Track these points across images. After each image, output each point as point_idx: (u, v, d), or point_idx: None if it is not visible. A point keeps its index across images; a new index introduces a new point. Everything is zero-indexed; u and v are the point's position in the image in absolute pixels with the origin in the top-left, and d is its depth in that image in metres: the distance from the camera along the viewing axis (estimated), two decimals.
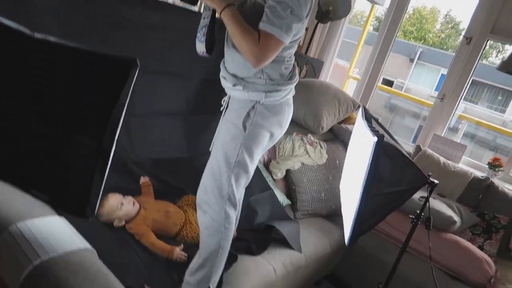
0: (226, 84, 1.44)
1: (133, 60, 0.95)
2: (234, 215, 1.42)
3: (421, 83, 15.17)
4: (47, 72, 0.96)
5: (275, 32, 1.23)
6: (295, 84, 1.45)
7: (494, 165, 2.85)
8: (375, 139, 1.34)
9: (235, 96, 1.42)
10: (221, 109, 1.54)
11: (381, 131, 1.67)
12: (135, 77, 0.96)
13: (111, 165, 1.42)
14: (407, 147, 3.40)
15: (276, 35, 1.23)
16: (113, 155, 1.52)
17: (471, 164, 3.10)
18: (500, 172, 2.85)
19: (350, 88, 4.36)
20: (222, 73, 1.47)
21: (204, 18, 1.39)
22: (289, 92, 1.43)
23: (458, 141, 3.24)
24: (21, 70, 0.96)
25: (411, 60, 15.37)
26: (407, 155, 1.55)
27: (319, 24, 3.42)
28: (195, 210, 1.70)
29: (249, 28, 1.25)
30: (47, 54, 0.98)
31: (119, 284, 1.04)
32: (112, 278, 1.04)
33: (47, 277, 0.97)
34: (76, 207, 0.98)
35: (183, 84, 2.06)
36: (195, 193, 1.94)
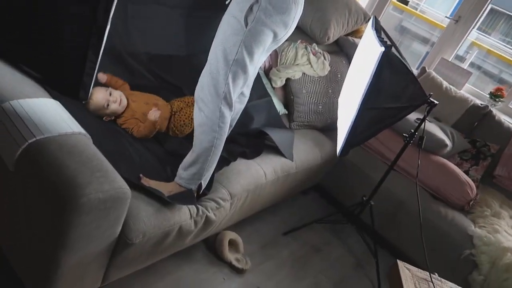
0: None
1: None
2: (229, 114, 1.41)
3: (436, 6, 14.38)
4: None
5: None
6: None
7: (495, 95, 2.82)
8: (382, 49, 1.28)
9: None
10: (226, 2, 1.44)
11: (390, 42, 1.60)
12: None
13: (105, 51, 1.37)
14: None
15: None
16: (108, 42, 1.46)
17: (473, 92, 3.06)
18: (500, 102, 2.83)
19: (362, 1, 4.11)
20: None
21: None
22: None
23: (465, 66, 3.16)
24: None
25: None
26: (412, 70, 1.50)
27: None
28: (185, 104, 1.70)
29: None
30: None
31: (112, 169, 1.06)
32: (106, 163, 1.05)
33: (41, 156, 0.98)
34: (69, 87, 0.96)
35: None
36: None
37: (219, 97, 1.36)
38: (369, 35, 1.55)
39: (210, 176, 1.49)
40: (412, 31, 12.85)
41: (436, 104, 1.60)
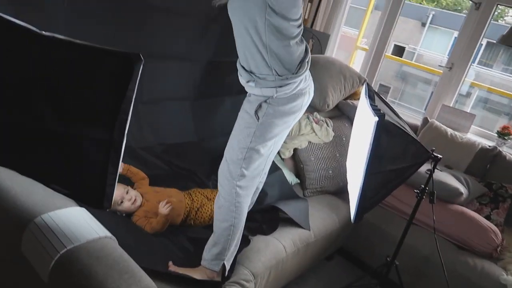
0: (241, 80, 1.49)
1: (137, 56, 0.99)
2: (245, 194, 1.49)
3: (433, 48, 14.82)
4: (57, 69, 1.01)
5: None
6: (305, 73, 1.45)
7: (503, 134, 2.84)
8: (376, 118, 1.37)
9: (250, 91, 1.48)
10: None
11: (384, 108, 1.69)
12: (140, 72, 1.01)
13: (126, 148, 1.50)
14: (419, 115, 3.40)
15: None
16: (127, 139, 1.60)
17: (480, 133, 3.10)
18: (509, 140, 2.85)
19: (358, 59, 4.32)
20: (239, 71, 1.51)
21: None
22: (299, 83, 1.43)
23: (470, 107, 3.23)
24: (32, 68, 1.02)
25: (423, 25, 14.92)
26: (409, 132, 1.58)
27: (321, 2, 3.38)
28: (207, 198, 1.77)
29: None
30: (56, 52, 1.03)
31: (138, 268, 1.13)
32: (132, 263, 1.12)
33: (73, 265, 1.05)
34: (94, 199, 1.06)
35: (189, 68, 2.09)
36: (204, 175, 2.02)
37: (234, 180, 1.46)
38: (363, 103, 1.65)
39: (233, 256, 1.53)
40: (413, 74, 13.14)
41: (440, 158, 1.65)
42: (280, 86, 1.40)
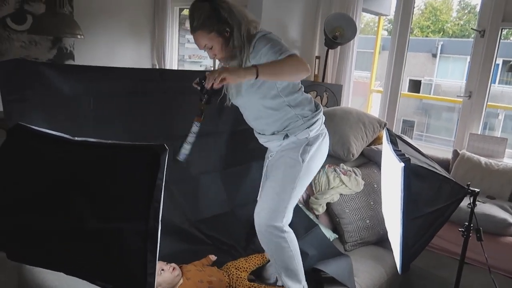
0: (275, 144, 1.69)
1: (161, 147, 1.06)
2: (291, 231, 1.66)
3: (449, 75, 14.80)
4: (90, 170, 1.09)
5: (290, 51, 1.52)
6: (322, 111, 1.73)
7: None
8: (402, 164, 1.36)
9: (287, 144, 1.65)
10: (269, 155, 1.75)
11: (409, 150, 1.69)
12: (166, 161, 1.07)
13: (164, 228, 1.57)
14: (450, 144, 3.32)
15: (291, 52, 1.52)
16: (164, 220, 1.66)
17: None
18: None
19: (375, 103, 4.36)
20: (263, 139, 1.74)
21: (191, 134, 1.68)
22: (322, 119, 1.72)
23: (500, 131, 3.14)
24: (69, 173, 1.09)
25: (434, 55, 15.06)
26: (439, 170, 1.55)
27: (330, 50, 3.51)
28: (240, 270, 1.76)
29: (279, 60, 1.50)
30: (88, 154, 1.11)
31: None
32: None
33: None
34: None
35: (213, 141, 2.17)
36: (241, 246, 2.01)
37: (280, 227, 1.61)
38: (387, 149, 1.65)
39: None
40: (435, 104, 13.02)
41: (478, 192, 1.60)
42: (310, 126, 1.65)
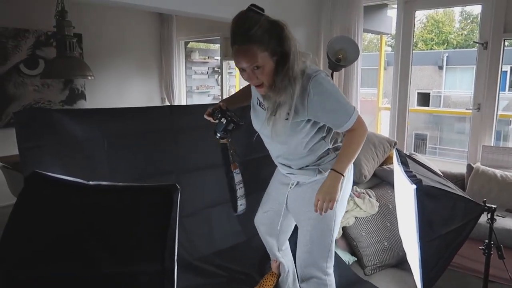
0: (307, 179, 1.56)
1: (173, 186, 1.08)
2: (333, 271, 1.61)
3: (458, 86, 14.75)
4: (105, 214, 1.11)
5: (353, 117, 1.38)
6: None
7: None
8: (414, 186, 1.36)
9: (318, 180, 1.52)
10: (291, 186, 1.64)
11: (420, 170, 1.68)
12: (178, 199, 1.08)
13: (180, 264, 1.58)
14: (464, 156, 3.26)
15: (355, 118, 1.38)
16: (179, 255, 1.67)
17: None
18: None
19: (384, 120, 4.35)
20: (297, 178, 1.59)
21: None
22: None
23: None
24: (84, 218, 1.12)
25: (440, 68, 15.07)
26: (453, 189, 1.54)
27: (334, 73, 3.54)
28: None
29: (345, 144, 1.43)
30: (102, 199, 1.14)
31: None
32: None
33: None
34: None
35: (223, 172, 2.19)
36: (258, 273, 2.00)
37: (324, 268, 1.58)
38: (398, 170, 1.64)
39: None
40: (446, 116, 12.93)
41: (495, 208, 1.57)
42: (336, 157, 1.50)
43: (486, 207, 1.58)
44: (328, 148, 1.52)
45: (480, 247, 1.67)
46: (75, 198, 1.12)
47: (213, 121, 1.59)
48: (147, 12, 5.02)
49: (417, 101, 15.10)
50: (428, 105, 14.14)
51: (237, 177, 1.64)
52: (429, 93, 14.40)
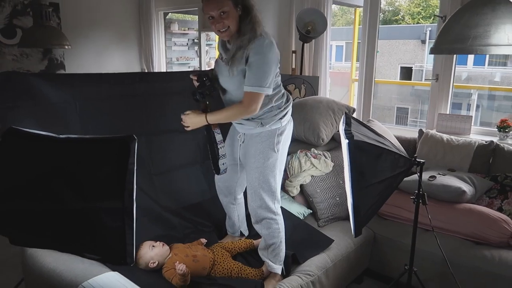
0: (247, 128, 1.82)
1: (130, 137, 1.26)
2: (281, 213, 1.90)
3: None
4: (73, 160, 1.29)
5: (256, 90, 1.65)
6: (291, 102, 1.89)
7: (503, 127, 2.93)
8: (347, 141, 1.57)
9: (260, 132, 1.79)
10: (239, 143, 1.90)
11: (363, 130, 1.88)
12: (135, 148, 1.27)
13: (144, 212, 1.80)
14: None
15: (257, 91, 1.66)
16: (148, 208, 1.89)
17: (483, 132, 3.18)
18: (511, 132, 2.93)
19: (358, 91, 4.54)
20: (243, 129, 1.85)
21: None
22: (290, 110, 1.88)
23: (473, 110, 3.31)
24: (54, 163, 1.30)
25: (423, 42, 15.20)
26: (384, 145, 1.74)
27: (305, 44, 3.70)
28: (225, 249, 1.95)
29: (226, 109, 1.76)
30: (70, 148, 1.31)
31: None
32: None
33: None
34: (119, 258, 1.28)
35: (192, 136, 2.37)
36: (220, 226, 2.22)
37: (273, 209, 1.84)
38: (341, 130, 1.85)
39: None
40: (427, 90, 13.26)
41: (423, 162, 1.79)
42: (282, 117, 1.80)
43: (416, 161, 1.80)
44: (272, 106, 1.76)
45: (411, 197, 1.91)
46: (46, 147, 1.30)
47: (196, 82, 1.78)
48: None
49: (400, 75, 15.32)
50: (410, 79, 14.39)
51: (218, 137, 1.82)
52: (412, 67, 14.60)
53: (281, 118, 1.81)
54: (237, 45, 1.65)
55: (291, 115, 1.90)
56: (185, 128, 1.82)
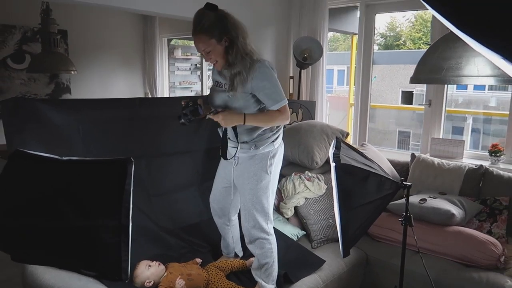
0: (241, 151, 1.89)
1: (128, 159, 1.36)
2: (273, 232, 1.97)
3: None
4: (74, 181, 1.38)
5: (280, 104, 1.80)
6: (282, 126, 1.98)
7: (494, 152, 3.01)
8: (334, 164, 1.65)
9: (253, 155, 1.88)
10: (234, 165, 1.95)
11: (352, 154, 1.97)
12: (132, 170, 1.36)
13: (142, 232, 1.86)
14: None
15: (283, 104, 1.80)
16: (146, 228, 1.95)
17: (475, 156, 3.26)
18: (502, 156, 3.00)
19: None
20: (233, 145, 1.91)
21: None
22: (281, 133, 1.97)
23: (469, 134, 3.39)
24: (57, 184, 1.39)
25: None
26: (374, 168, 1.82)
27: (302, 70, 3.83)
28: (219, 269, 2.01)
29: (266, 112, 1.83)
30: (71, 169, 1.41)
31: None
32: None
33: None
34: (114, 274, 1.35)
35: (190, 159, 2.46)
36: (215, 247, 2.27)
37: (266, 229, 1.90)
38: (330, 153, 1.93)
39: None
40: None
41: (410, 185, 1.86)
42: (274, 140, 1.89)
43: (403, 184, 1.87)
44: (265, 129, 1.86)
45: (399, 219, 1.97)
46: (50, 168, 1.39)
47: (183, 104, 1.87)
48: None
49: (401, 99, 15.48)
50: (411, 103, 14.54)
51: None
52: (413, 91, 14.78)
53: (273, 141, 1.90)
54: (230, 74, 1.78)
55: (283, 139, 1.99)
56: (220, 122, 1.79)
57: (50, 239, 1.36)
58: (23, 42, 4.34)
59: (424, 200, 2.41)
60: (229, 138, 1.92)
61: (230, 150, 1.92)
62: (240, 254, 2.24)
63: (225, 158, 1.92)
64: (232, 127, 1.85)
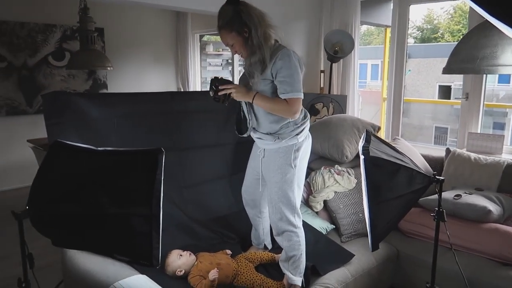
0: (265, 142, 1.92)
1: (159, 149, 1.40)
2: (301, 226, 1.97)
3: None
4: (108, 170, 1.44)
5: (295, 95, 1.79)
6: (309, 119, 1.97)
7: None
8: (363, 157, 1.63)
9: (277, 147, 1.89)
10: (260, 158, 1.98)
11: (381, 147, 1.93)
12: (163, 160, 1.40)
13: (178, 225, 1.93)
14: None
15: (293, 96, 1.79)
16: (178, 218, 2.00)
17: None
18: None
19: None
20: (257, 136, 1.96)
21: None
22: (307, 126, 1.95)
23: (510, 129, 3.25)
24: (93, 172, 1.45)
25: None
26: (405, 162, 1.79)
27: (333, 64, 3.79)
28: (248, 260, 2.04)
29: (276, 98, 1.82)
30: (107, 159, 1.47)
31: None
32: None
33: None
34: (146, 260, 1.40)
35: (221, 151, 2.50)
36: (244, 239, 2.30)
37: (294, 223, 1.90)
38: (360, 147, 1.91)
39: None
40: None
41: (442, 179, 1.81)
42: (299, 133, 1.88)
43: (435, 179, 1.82)
44: (289, 121, 1.87)
45: (431, 214, 1.92)
46: (86, 158, 1.46)
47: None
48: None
49: (438, 94, 14.96)
50: (449, 98, 14.01)
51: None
52: (451, 86, 14.25)
53: (297, 134, 1.88)
54: (249, 63, 1.84)
55: (312, 132, 1.98)
56: (232, 93, 1.84)
57: (87, 225, 1.43)
58: (63, 40, 4.54)
59: (459, 196, 2.33)
60: (253, 128, 1.96)
61: (257, 142, 1.96)
62: (269, 246, 2.25)
63: (240, 134, 1.98)
64: (253, 111, 1.91)
